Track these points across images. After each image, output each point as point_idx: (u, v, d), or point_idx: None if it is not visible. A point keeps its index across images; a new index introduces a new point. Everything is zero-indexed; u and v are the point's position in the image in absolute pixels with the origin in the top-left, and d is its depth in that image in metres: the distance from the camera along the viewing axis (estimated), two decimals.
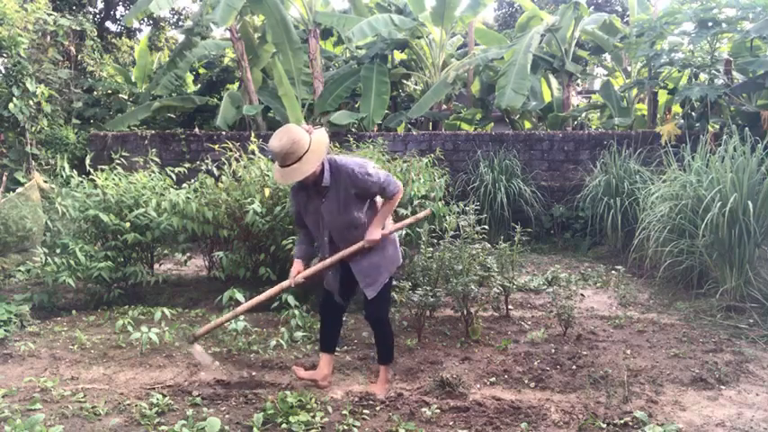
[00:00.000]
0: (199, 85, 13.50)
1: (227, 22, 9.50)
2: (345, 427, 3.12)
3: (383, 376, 3.69)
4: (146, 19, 13.53)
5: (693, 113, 9.08)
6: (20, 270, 6.16)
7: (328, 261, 3.57)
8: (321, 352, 3.81)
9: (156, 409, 3.30)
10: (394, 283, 4.19)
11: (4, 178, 7.38)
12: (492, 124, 12.29)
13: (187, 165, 6.81)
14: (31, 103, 8.23)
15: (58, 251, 5.57)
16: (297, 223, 3.78)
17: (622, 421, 3.18)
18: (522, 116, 12.28)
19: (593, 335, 4.74)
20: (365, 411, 3.33)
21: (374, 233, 3.49)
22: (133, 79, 13.36)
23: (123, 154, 6.88)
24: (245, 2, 9.91)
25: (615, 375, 3.83)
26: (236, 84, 12.72)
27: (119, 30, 14.52)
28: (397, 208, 4.90)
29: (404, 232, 5.06)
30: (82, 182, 6.06)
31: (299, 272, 3.61)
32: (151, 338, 4.21)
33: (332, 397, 3.55)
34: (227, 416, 3.26)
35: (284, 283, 3.67)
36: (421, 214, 3.94)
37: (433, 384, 3.70)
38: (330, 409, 3.33)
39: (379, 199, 3.61)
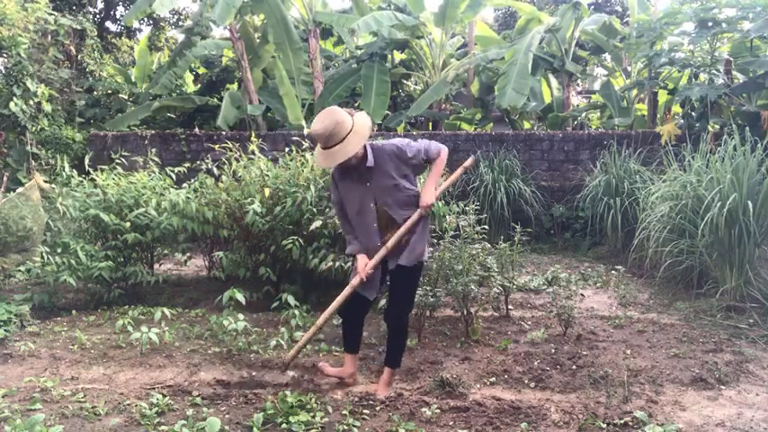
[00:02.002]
0: (199, 85, 13.51)
1: (226, 20, 9.50)
2: (345, 427, 3.11)
3: (386, 378, 3.68)
4: (146, 19, 13.53)
5: (693, 113, 9.08)
6: (20, 270, 6.16)
7: (390, 242, 3.51)
8: (345, 353, 3.81)
9: (156, 409, 3.30)
10: None
11: (5, 178, 7.38)
12: (492, 124, 12.31)
13: (187, 165, 6.81)
14: (31, 102, 8.23)
15: (58, 251, 5.57)
16: (340, 215, 3.72)
17: (622, 421, 3.18)
18: (521, 116, 12.29)
19: (593, 335, 4.74)
20: (365, 411, 3.33)
21: (428, 196, 3.49)
22: (133, 79, 13.37)
23: (123, 154, 6.88)
24: (244, 1, 9.92)
25: (615, 375, 3.83)
26: (236, 84, 12.73)
27: (119, 30, 14.53)
28: None
29: None
30: (82, 182, 6.06)
31: (366, 264, 3.54)
32: (151, 338, 4.21)
33: (332, 397, 3.55)
34: (227, 416, 3.26)
35: (355, 281, 3.58)
36: (467, 162, 3.83)
37: (433, 384, 3.70)
38: (330, 409, 3.33)
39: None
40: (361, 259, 3.58)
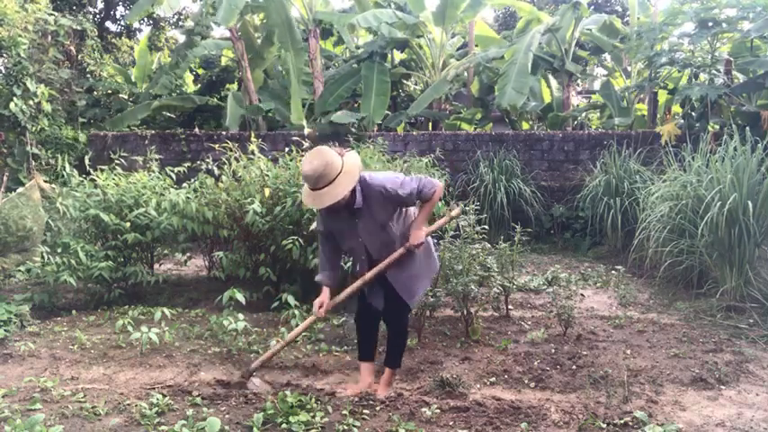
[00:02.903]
0: (199, 85, 13.50)
1: (230, 22, 9.53)
2: (345, 427, 3.11)
3: (387, 378, 3.67)
4: (146, 19, 13.52)
5: (693, 113, 9.09)
6: (20, 270, 6.16)
7: (368, 277, 3.54)
8: (360, 361, 3.77)
9: (156, 409, 3.29)
10: None
11: (5, 178, 7.38)
12: (492, 124, 12.31)
13: (187, 165, 6.80)
14: (31, 102, 8.23)
15: (58, 251, 5.57)
16: (321, 243, 3.68)
17: (622, 421, 3.18)
18: (521, 116, 12.29)
19: (593, 335, 4.74)
20: (365, 411, 3.33)
21: (418, 236, 3.46)
22: (133, 79, 13.37)
23: (123, 154, 6.87)
24: (246, 1, 9.93)
25: (615, 375, 3.83)
26: (236, 84, 12.72)
27: (119, 30, 14.51)
28: None
29: None
30: (82, 182, 6.06)
31: (322, 303, 3.55)
32: (151, 338, 4.21)
33: (332, 397, 3.55)
34: (227, 416, 3.26)
35: (309, 320, 3.67)
36: (454, 212, 3.86)
37: (433, 384, 3.70)
38: (330, 409, 3.33)
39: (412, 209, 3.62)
40: (323, 295, 3.59)
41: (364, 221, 3.44)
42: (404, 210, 3.56)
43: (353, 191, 3.34)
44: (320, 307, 3.57)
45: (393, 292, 3.61)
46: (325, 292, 3.62)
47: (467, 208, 5.26)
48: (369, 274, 3.55)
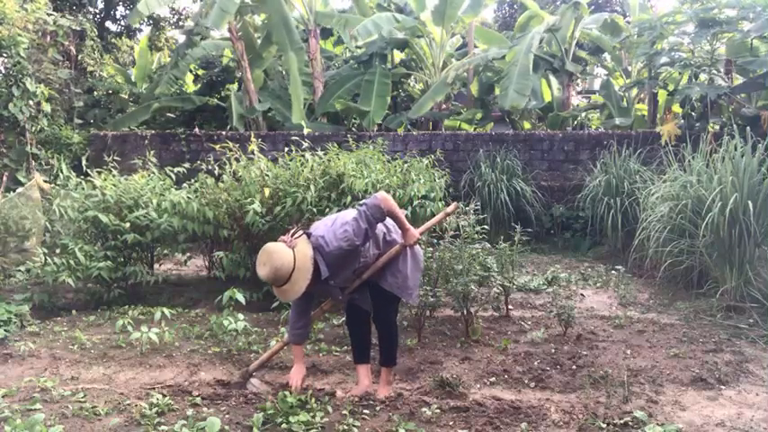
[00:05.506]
0: (199, 85, 13.50)
1: (220, 26, 9.60)
2: (345, 427, 3.11)
3: (385, 378, 3.67)
4: (146, 19, 13.52)
5: (693, 113, 9.09)
6: (20, 270, 6.16)
7: (366, 274, 3.58)
8: (356, 364, 3.75)
9: (156, 409, 3.29)
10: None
11: (5, 178, 7.38)
12: (492, 124, 12.31)
13: (186, 165, 6.79)
14: (30, 103, 8.23)
15: (57, 251, 5.57)
16: (300, 301, 3.59)
17: (622, 421, 3.18)
18: (521, 116, 12.29)
19: (593, 335, 4.74)
20: (365, 411, 3.33)
21: (412, 236, 3.51)
22: (133, 79, 13.37)
23: (116, 158, 6.82)
24: (239, 4, 9.94)
25: (615, 375, 3.83)
26: (236, 84, 12.72)
27: (119, 30, 14.50)
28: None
29: None
30: (80, 182, 6.05)
31: (303, 378, 3.63)
32: (151, 338, 4.21)
33: (332, 397, 3.55)
34: (227, 416, 3.26)
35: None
36: (449, 208, 3.84)
37: (433, 384, 3.70)
38: (330, 409, 3.33)
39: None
40: (299, 365, 3.67)
41: (338, 277, 3.48)
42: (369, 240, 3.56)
43: (316, 265, 3.32)
44: (299, 380, 3.61)
45: (377, 291, 3.62)
46: (300, 357, 3.69)
47: (467, 208, 5.27)
48: (366, 274, 3.56)
